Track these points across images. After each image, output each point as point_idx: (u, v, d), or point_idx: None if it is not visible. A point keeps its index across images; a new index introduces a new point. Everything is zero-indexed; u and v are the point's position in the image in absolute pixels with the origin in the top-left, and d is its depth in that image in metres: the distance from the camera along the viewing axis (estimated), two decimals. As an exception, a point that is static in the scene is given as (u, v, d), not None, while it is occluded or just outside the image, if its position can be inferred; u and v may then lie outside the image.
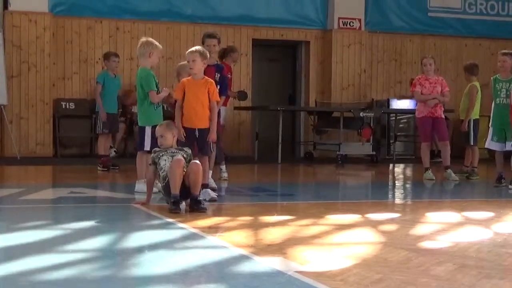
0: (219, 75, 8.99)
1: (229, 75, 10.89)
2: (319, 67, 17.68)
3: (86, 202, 8.59)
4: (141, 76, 8.69)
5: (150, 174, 7.63)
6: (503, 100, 10.40)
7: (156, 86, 8.71)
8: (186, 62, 8.16)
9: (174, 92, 8.33)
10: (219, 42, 9.52)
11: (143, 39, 8.90)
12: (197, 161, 7.39)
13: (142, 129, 8.66)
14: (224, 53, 10.82)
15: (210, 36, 9.43)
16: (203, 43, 9.24)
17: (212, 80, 8.12)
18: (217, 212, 7.60)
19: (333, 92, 17.34)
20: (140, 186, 8.58)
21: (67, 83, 15.81)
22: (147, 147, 8.51)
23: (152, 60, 8.79)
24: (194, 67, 7.91)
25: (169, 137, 7.58)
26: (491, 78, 10.82)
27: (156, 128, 7.78)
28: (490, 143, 10.62)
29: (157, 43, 8.82)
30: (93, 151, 15.00)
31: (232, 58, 11.62)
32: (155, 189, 7.93)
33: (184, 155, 7.39)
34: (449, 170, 11.47)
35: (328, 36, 17.46)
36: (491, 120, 10.68)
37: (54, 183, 11.48)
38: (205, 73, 8.09)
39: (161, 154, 7.43)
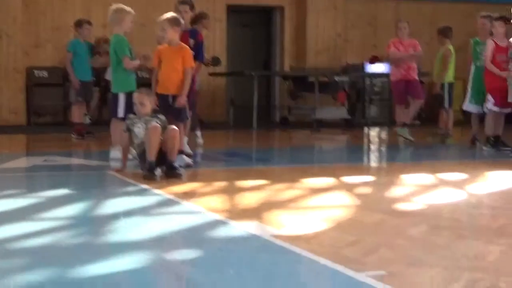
0: (193, 40, 8.96)
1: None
2: (294, 32, 17.61)
3: (61, 170, 8.56)
4: (114, 43, 8.62)
5: (125, 141, 7.59)
6: (483, 63, 10.36)
7: (130, 53, 8.65)
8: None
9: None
10: (191, 8, 9.41)
11: (113, 6, 8.80)
12: (175, 127, 7.36)
13: (116, 96, 8.58)
14: (195, 20, 10.70)
15: (182, 2, 9.33)
16: (176, 10, 9.16)
17: (187, 46, 8.11)
18: (193, 178, 7.61)
19: (308, 57, 17.27)
20: (115, 153, 8.52)
21: (40, 51, 15.64)
22: (120, 113, 8.43)
23: (125, 26, 8.70)
24: (165, 36, 7.90)
25: (148, 105, 7.51)
26: (471, 40, 10.82)
27: (135, 95, 7.70)
28: (468, 105, 10.67)
29: (128, 9, 8.72)
30: (67, 119, 14.91)
31: (203, 24, 11.51)
32: (130, 156, 7.90)
33: (159, 122, 7.34)
34: (405, 128, 11.37)
35: (303, 1, 17.36)
36: (469, 83, 10.70)
37: (28, 151, 11.42)
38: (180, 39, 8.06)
39: (135, 121, 7.39)
